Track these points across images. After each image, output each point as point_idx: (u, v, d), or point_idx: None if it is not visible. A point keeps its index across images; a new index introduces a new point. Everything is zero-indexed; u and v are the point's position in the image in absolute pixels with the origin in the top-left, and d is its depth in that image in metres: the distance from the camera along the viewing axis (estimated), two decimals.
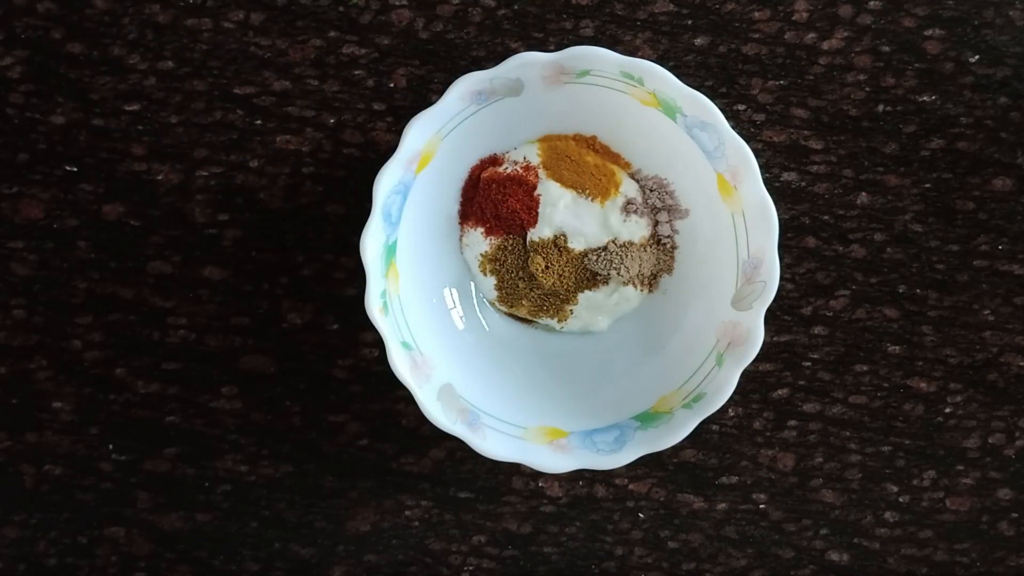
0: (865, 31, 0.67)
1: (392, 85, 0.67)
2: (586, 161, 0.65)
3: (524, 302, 0.66)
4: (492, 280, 0.66)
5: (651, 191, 0.65)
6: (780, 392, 0.68)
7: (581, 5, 0.66)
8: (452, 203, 0.66)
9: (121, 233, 0.67)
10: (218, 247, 0.67)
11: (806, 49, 0.67)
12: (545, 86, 0.62)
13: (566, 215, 0.65)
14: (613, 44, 0.66)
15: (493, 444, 0.62)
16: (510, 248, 0.65)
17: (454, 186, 0.65)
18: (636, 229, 0.65)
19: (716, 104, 0.60)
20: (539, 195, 0.65)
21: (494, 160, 0.65)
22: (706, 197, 0.63)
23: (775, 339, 0.67)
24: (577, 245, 0.65)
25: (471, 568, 0.68)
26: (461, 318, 0.66)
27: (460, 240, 0.66)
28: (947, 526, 0.68)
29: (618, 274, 0.65)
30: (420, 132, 0.60)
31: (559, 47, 0.66)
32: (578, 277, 0.65)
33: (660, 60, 0.66)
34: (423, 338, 0.64)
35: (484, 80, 0.60)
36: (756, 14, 0.67)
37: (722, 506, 0.68)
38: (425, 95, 0.67)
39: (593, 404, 0.65)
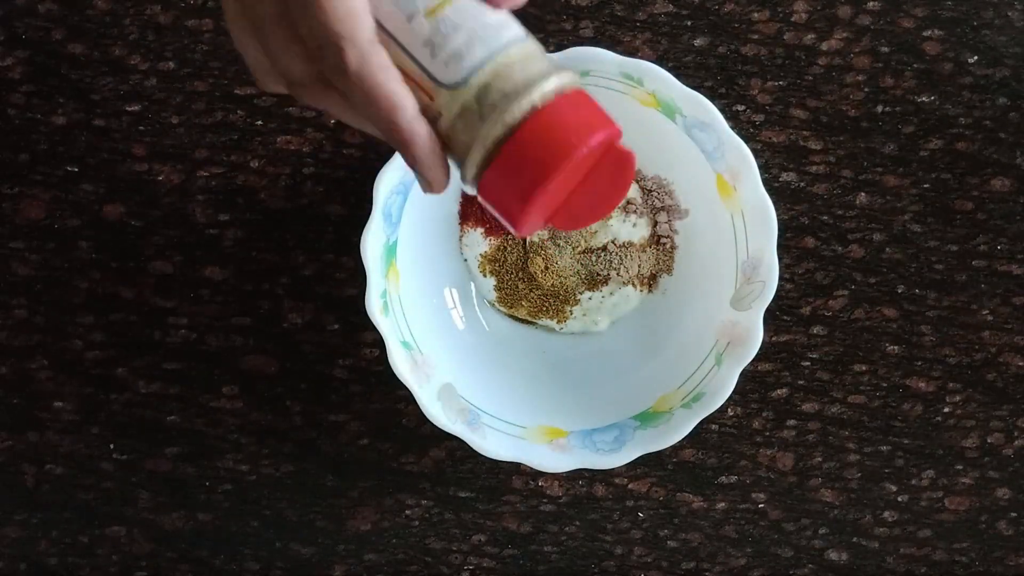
0: (864, 32, 0.67)
1: None
2: None
3: (524, 303, 0.66)
4: (492, 281, 0.66)
5: (651, 191, 0.65)
6: (779, 392, 0.68)
7: (581, 6, 0.67)
8: (452, 203, 0.66)
9: (122, 233, 0.67)
10: (219, 247, 0.67)
11: (805, 50, 0.67)
12: None
13: None
14: (613, 45, 0.66)
15: (493, 443, 0.62)
16: (510, 249, 0.66)
17: (454, 186, 0.66)
18: (636, 229, 0.65)
19: (715, 105, 0.60)
20: None
21: None
22: (705, 197, 0.63)
23: (774, 339, 0.68)
24: (577, 246, 0.65)
25: (471, 567, 0.68)
26: (461, 318, 0.66)
27: (460, 240, 0.66)
28: (946, 525, 0.69)
29: (618, 274, 0.65)
30: None
31: (559, 48, 0.66)
32: (578, 278, 0.66)
33: (659, 61, 0.67)
34: (423, 338, 0.64)
35: None
36: (755, 15, 0.67)
37: (721, 505, 0.68)
38: None
39: (593, 404, 0.65)
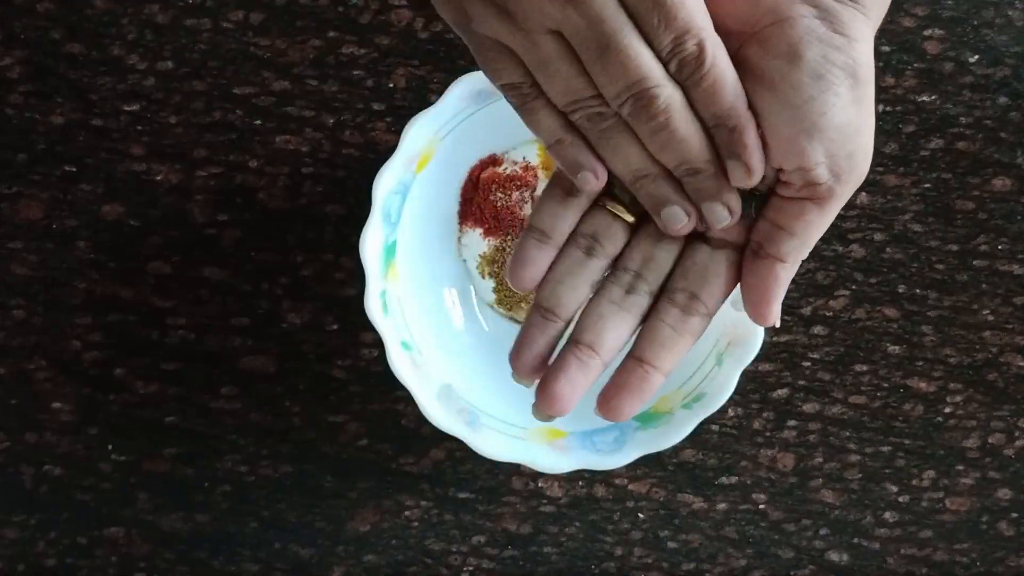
0: None
1: (392, 85, 0.67)
2: None
3: (523, 304, 0.66)
4: (491, 283, 0.66)
5: None
6: (780, 392, 0.68)
7: None
8: (452, 203, 0.66)
9: (120, 233, 0.67)
10: (218, 247, 0.67)
11: None
12: None
13: None
14: None
15: (493, 444, 0.62)
16: (509, 249, 0.65)
17: (453, 186, 0.65)
18: None
19: None
20: (539, 196, 0.65)
21: (493, 160, 0.65)
22: None
23: (775, 339, 0.67)
24: None
25: (471, 568, 0.68)
26: (461, 318, 0.66)
27: (458, 241, 0.66)
28: (947, 526, 0.68)
29: None
30: (420, 132, 0.60)
31: None
32: None
33: None
34: (423, 338, 0.64)
35: (483, 80, 0.60)
36: None
37: (722, 506, 0.68)
38: (424, 95, 0.67)
39: (593, 404, 0.65)
